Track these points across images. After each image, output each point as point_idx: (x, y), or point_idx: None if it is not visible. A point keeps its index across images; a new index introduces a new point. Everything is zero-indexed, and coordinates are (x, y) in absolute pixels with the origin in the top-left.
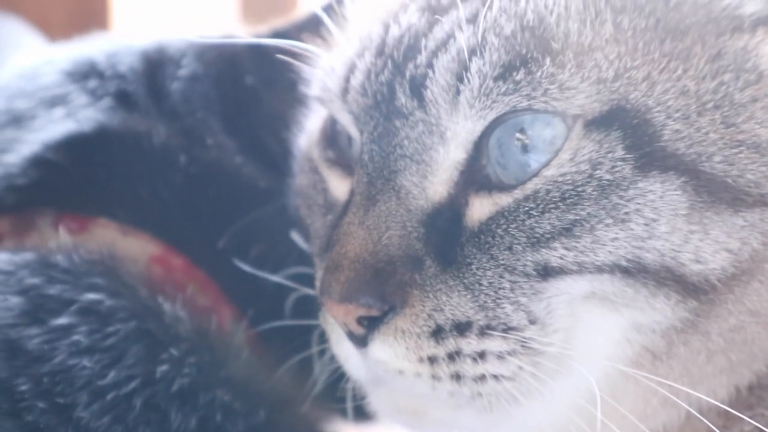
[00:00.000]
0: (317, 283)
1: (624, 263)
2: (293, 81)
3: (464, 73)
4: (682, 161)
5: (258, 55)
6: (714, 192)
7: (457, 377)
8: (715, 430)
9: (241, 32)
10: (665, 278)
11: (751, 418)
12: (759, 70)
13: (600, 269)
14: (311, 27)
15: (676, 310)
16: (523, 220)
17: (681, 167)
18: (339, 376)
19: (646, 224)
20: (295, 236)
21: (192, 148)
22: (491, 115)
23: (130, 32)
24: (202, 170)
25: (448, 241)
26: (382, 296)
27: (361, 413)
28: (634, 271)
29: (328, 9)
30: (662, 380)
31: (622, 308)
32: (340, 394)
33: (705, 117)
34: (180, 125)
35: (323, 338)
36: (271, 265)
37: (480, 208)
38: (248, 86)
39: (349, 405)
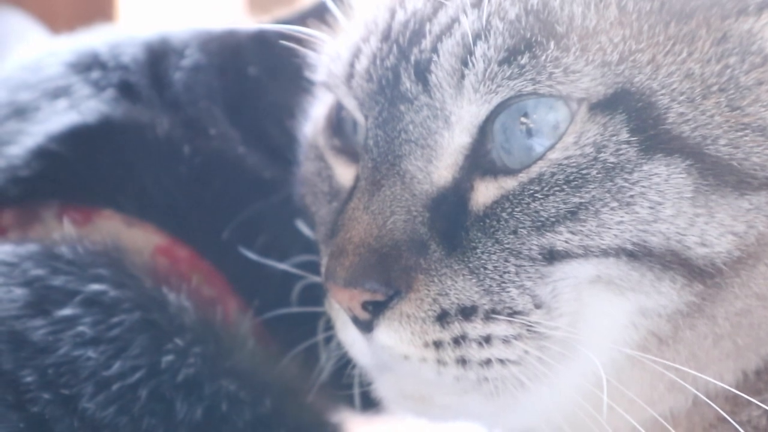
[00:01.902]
0: (322, 270)
1: (629, 247)
2: (297, 71)
3: (469, 57)
4: (687, 144)
5: (261, 45)
6: (719, 175)
7: (462, 362)
8: (724, 414)
9: (245, 23)
10: (671, 262)
11: (759, 402)
12: (764, 53)
13: (605, 253)
14: (316, 15)
15: (681, 294)
16: (528, 204)
17: (686, 150)
18: (345, 363)
19: (651, 207)
20: (301, 225)
21: (195, 139)
22: (496, 100)
23: (133, 25)
24: (206, 161)
25: (452, 225)
26: (386, 281)
27: (368, 400)
28: (639, 254)
29: None
30: (669, 364)
31: (628, 292)
32: (347, 381)
33: (710, 100)
34: (183, 115)
35: (329, 325)
36: (276, 255)
37: (485, 193)
38: (252, 77)
39: (356, 391)
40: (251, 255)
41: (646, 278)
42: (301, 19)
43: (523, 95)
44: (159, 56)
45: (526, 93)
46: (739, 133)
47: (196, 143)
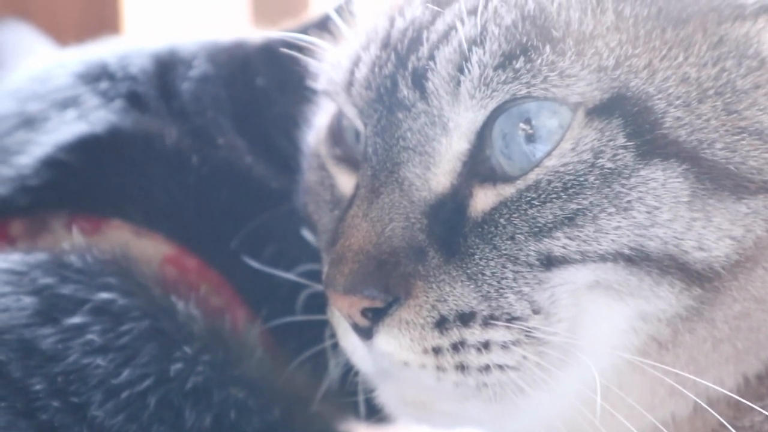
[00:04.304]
0: (323, 277)
1: (627, 251)
2: (303, 82)
3: (464, 63)
4: (683, 148)
5: (269, 57)
6: (716, 179)
7: (461, 368)
8: (722, 420)
9: (253, 35)
10: (669, 266)
11: (762, 408)
12: (761, 57)
13: (603, 258)
14: (320, 27)
15: (680, 298)
16: (525, 210)
17: (682, 154)
18: (350, 371)
19: (649, 212)
20: (307, 234)
21: (203, 149)
22: (492, 105)
23: (142, 36)
24: (214, 171)
25: (451, 231)
26: (385, 287)
27: (373, 407)
28: (637, 259)
29: (340, 10)
30: (669, 369)
31: (627, 297)
32: (351, 389)
33: (706, 104)
34: (191, 125)
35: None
36: (284, 265)
37: (483, 199)
38: (259, 87)
39: (361, 398)
40: (258, 265)
41: (645, 283)
42: (306, 30)
43: (518, 99)
44: (167, 67)
45: (521, 96)
46: (736, 137)
47: (203, 153)
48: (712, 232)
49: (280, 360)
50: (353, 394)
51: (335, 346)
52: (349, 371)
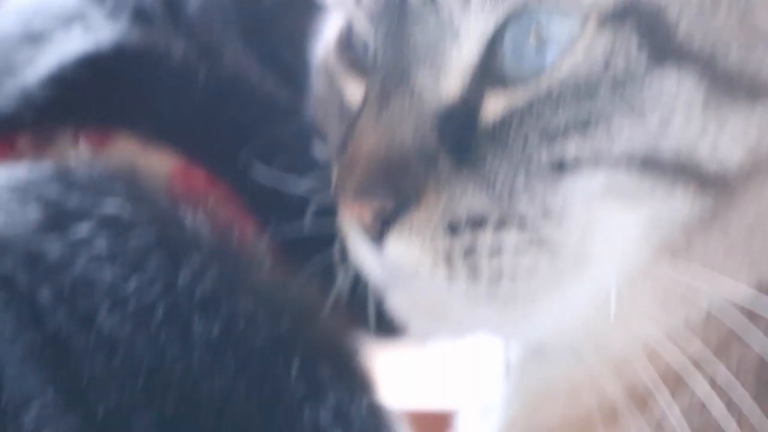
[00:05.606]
0: (333, 184)
1: (640, 155)
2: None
3: None
4: (697, 52)
5: None
6: (730, 84)
7: (473, 273)
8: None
9: None
10: (682, 171)
11: None
12: None
13: (616, 162)
14: None
15: (693, 205)
16: (538, 114)
17: (696, 58)
18: (361, 283)
19: (662, 116)
20: (316, 147)
21: (210, 63)
22: (503, 10)
23: None
24: (222, 86)
25: (462, 137)
26: (396, 191)
27: (383, 323)
28: (650, 163)
29: None
30: (681, 276)
31: (640, 203)
32: (359, 301)
33: (721, 6)
34: (197, 41)
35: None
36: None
37: (495, 105)
38: (267, 6)
39: (371, 310)
40: (268, 176)
41: (658, 188)
42: None
43: (529, 7)
44: None
45: (533, 4)
46: (752, 42)
47: (211, 68)
48: (725, 137)
49: (288, 273)
50: (362, 308)
51: (344, 258)
52: (357, 284)
